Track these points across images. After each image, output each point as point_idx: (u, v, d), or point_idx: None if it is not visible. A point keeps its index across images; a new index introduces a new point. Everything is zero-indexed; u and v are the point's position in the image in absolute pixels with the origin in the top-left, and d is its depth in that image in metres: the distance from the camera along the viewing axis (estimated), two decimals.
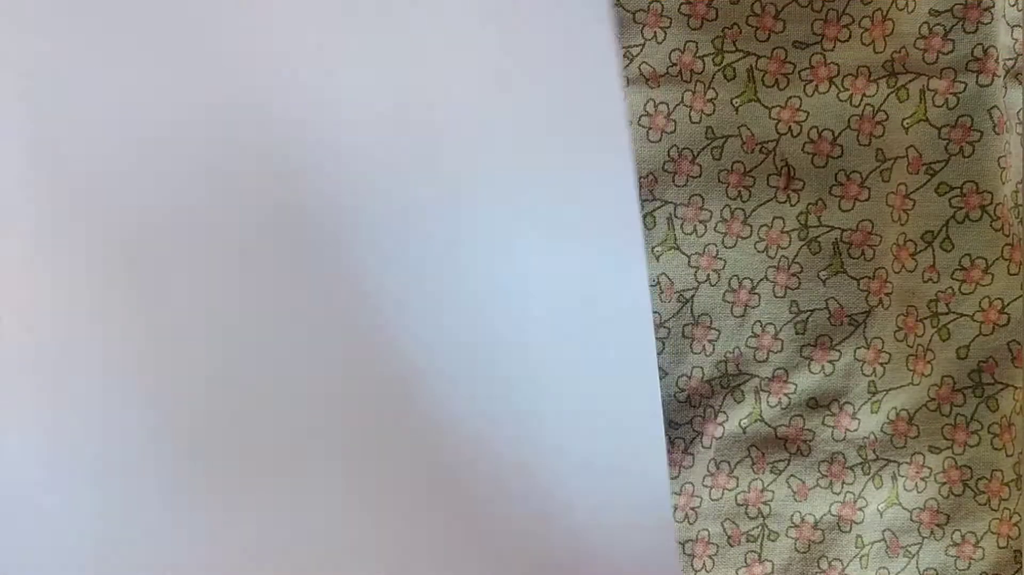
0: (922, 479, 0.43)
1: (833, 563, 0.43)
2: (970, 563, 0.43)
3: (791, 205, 0.42)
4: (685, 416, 0.42)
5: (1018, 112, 0.42)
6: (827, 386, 0.42)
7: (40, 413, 0.37)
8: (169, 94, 0.36)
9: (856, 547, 0.43)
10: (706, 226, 0.41)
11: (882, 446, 0.43)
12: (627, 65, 0.41)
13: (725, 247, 0.42)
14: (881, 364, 0.42)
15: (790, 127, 0.42)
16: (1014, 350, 0.42)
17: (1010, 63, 0.42)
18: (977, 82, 0.41)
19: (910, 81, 0.41)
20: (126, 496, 0.37)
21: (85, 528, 0.37)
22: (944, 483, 0.43)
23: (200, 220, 0.37)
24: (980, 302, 0.42)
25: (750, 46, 0.41)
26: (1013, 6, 0.42)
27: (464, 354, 0.38)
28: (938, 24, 0.41)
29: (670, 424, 0.41)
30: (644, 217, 0.41)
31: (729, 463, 0.42)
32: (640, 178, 0.41)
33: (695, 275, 0.41)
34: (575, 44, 0.38)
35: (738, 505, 0.42)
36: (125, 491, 0.37)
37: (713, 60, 0.41)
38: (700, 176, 0.41)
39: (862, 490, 0.43)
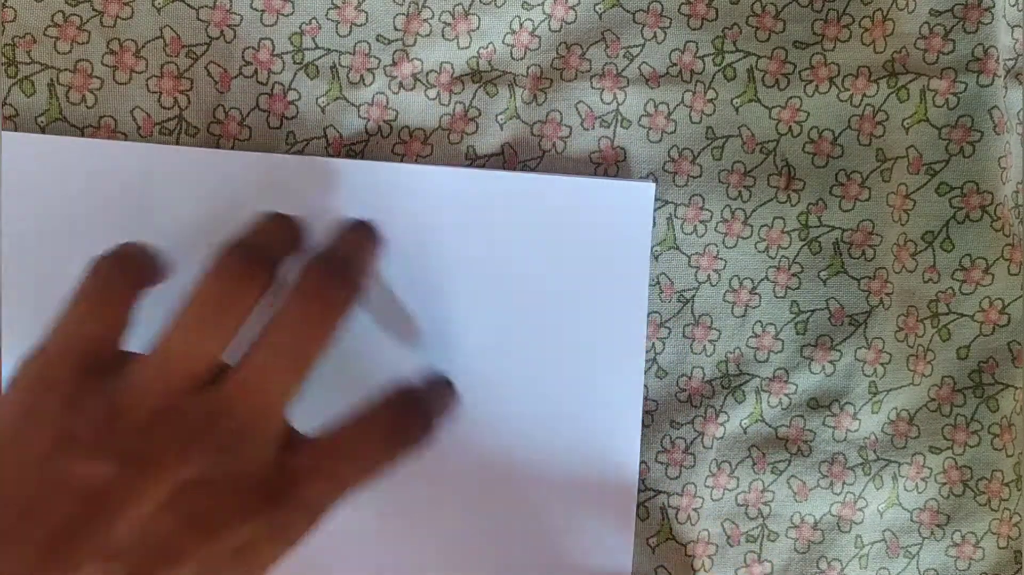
0: (922, 479, 0.43)
1: (832, 563, 0.43)
2: (970, 563, 0.43)
3: (791, 205, 0.42)
4: (686, 416, 0.41)
5: (1018, 112, 0.42)
6: (828, 386, 0.42)
7: None
8: None
9: (856, 547, 0.43)
10: (706, 226, 0.41)
11: (882, 446, 0.43)
12: (627, 65, 0.40)
13: (726, 247, 0.41)
14: (882, 364, 0.42)
15: (790, 127, 0.42)
16: (1014, 350, 0.42)
17: (1010, 63, 0.42)
18: (977, 82, 0.41)
19: (910, 81, 0.41)
20: None
21: None
22: (944, 483, 0.43)
23: None
24: (980, 302, 0.42)
25: (750, 46, 0.41)
26: (1014, 6, 0.42)
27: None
28: (938, 24, 0.41)
29: (671, 424, 0.41)
30: None
31: (730, 463, 0.42)
32: (640, 179, 0.41)
33: (695, 275, 0.41)
34: None
35: (738, 505, 0.42)
36: None
37: (713, 60, 0.41)
38: (700, 176, 0.41)
39: (862, 490, 0.43)
